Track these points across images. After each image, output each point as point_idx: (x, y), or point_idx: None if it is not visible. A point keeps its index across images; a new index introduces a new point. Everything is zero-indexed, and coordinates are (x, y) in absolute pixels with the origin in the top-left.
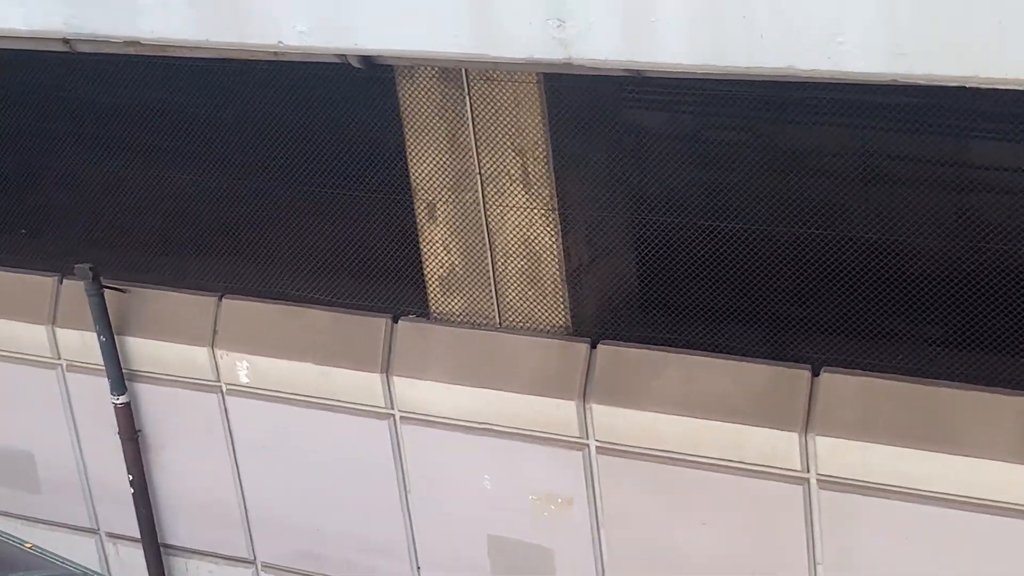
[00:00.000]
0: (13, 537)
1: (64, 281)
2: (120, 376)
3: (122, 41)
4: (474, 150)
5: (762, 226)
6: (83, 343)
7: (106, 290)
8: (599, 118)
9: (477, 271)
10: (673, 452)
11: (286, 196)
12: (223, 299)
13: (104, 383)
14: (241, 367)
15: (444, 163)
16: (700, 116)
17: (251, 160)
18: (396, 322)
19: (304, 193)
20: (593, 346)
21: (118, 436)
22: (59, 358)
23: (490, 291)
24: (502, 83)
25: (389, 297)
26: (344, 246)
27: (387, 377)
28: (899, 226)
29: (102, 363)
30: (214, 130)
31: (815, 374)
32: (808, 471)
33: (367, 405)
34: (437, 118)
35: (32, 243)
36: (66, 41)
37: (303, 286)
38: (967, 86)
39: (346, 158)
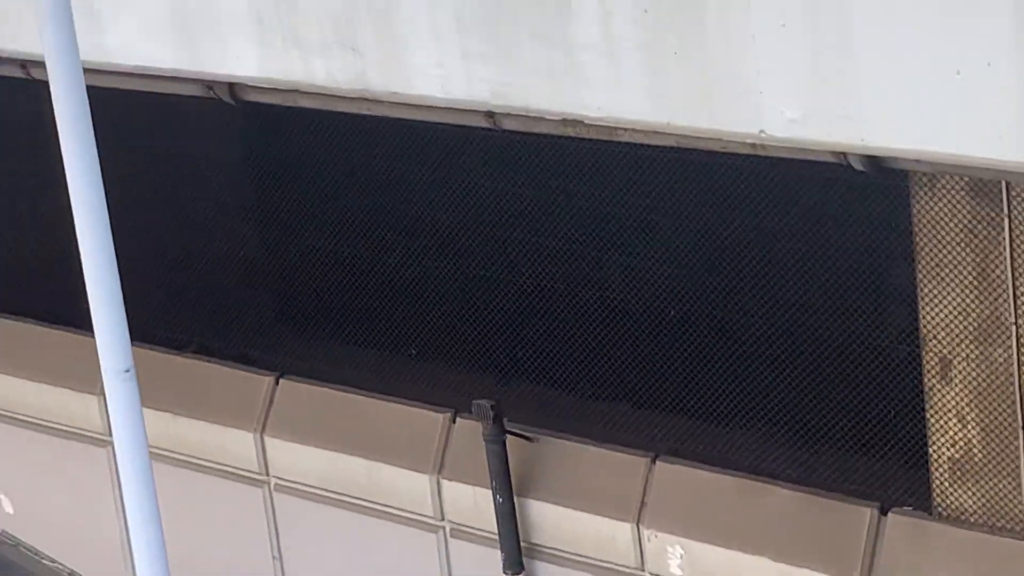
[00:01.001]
0: None
1: (457, 420)
2: (517, 550)
3: (560, 119)
4: (1010, 291)
5: None
6: (475, 503)
7: (509, 436)
8: None
9: (1004, 455)
10: None
11: (748, 333)
12: (657, 461)
13: (496, 556)
14: (673, 554)
15: (968, 306)
16: None
17: (702, 286)
18: (885, 515)
19: (771, 328)
20: None
21: None
22: (443, 519)
23: (1020, 484)
24: None
25: (878, 478)
26: (820, 404)
27: None
28: None
29: (496, 530)
30: (661, 241)
31: None
32: None
33: None
34: (962, 245)
35: (421, 367)
36: (490, 115)
37: (767, 455)
38: None
39: (837, 285)
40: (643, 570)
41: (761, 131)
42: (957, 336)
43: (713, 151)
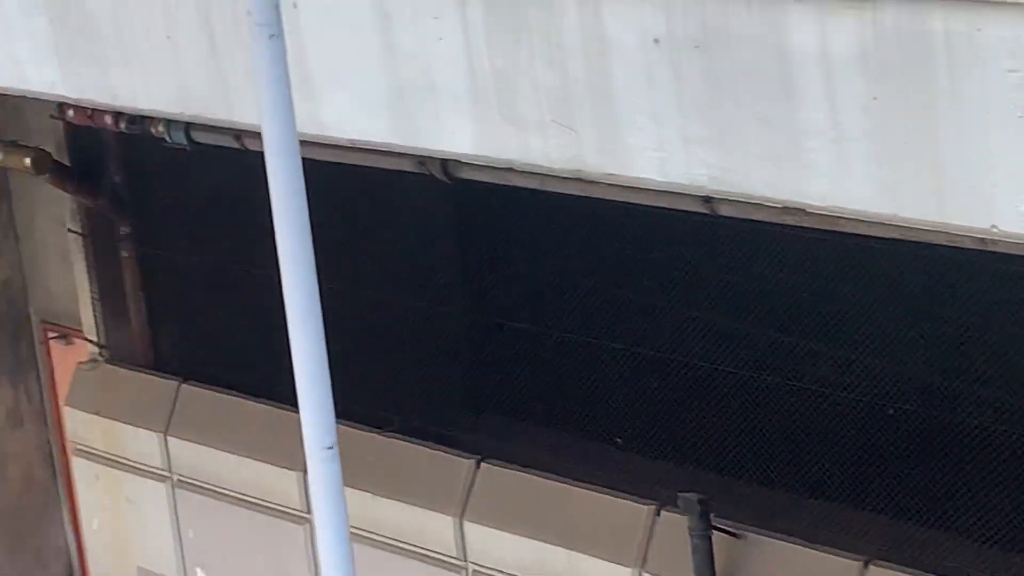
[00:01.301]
0: None
1: (662, 513)
2: None
3: (781, 207)
4: None
5: None
6: None
7: (715, 532)
8: None
9: None
10: None
11: (969, 434)
12: (869, 566)
13: None
14: None
15: None
16: None
17: (923, 383)
18: None
19: (992, 430)
20: None
21: None
22: None
23: None
24: None
25: None
26: None
27: None
28: None
29: None
30: (880, 335)
31: None
32: None
33: None
34: None
35: (627, 457)
36: (707, 200)
37: (981, 562)
38: None
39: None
40: None
41: (993, 226)
42: None
43: (937, 244)
